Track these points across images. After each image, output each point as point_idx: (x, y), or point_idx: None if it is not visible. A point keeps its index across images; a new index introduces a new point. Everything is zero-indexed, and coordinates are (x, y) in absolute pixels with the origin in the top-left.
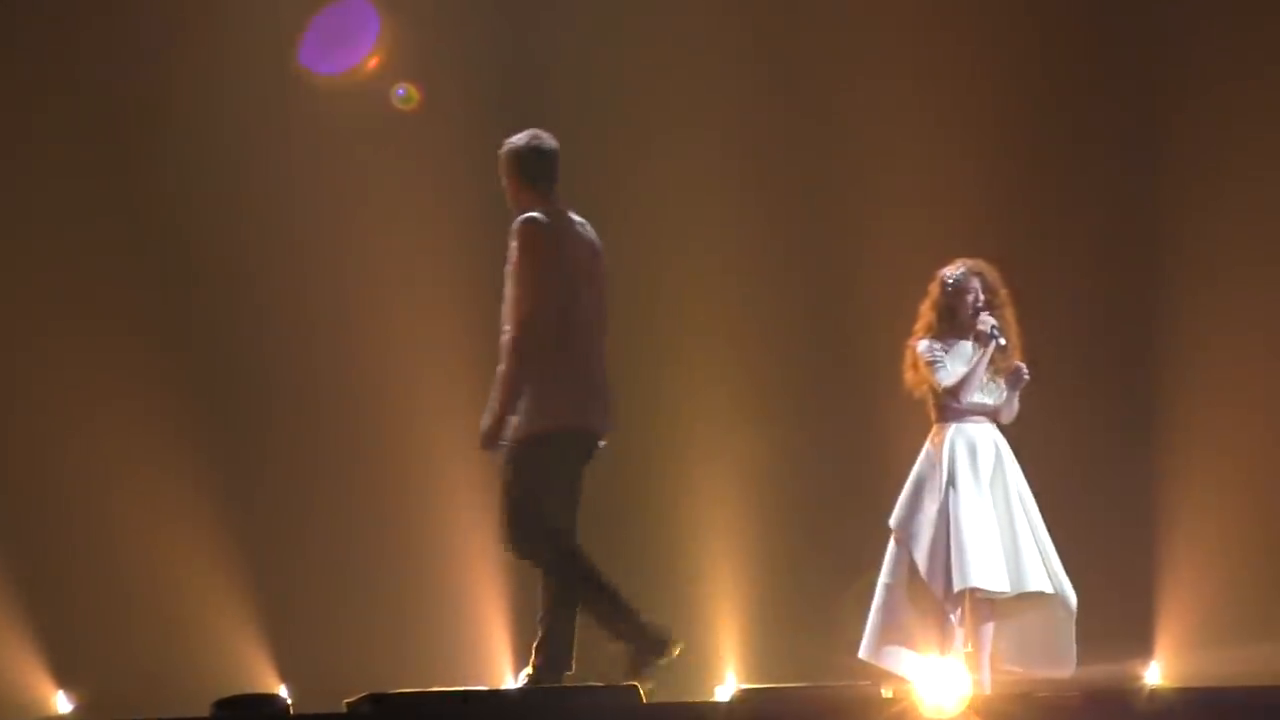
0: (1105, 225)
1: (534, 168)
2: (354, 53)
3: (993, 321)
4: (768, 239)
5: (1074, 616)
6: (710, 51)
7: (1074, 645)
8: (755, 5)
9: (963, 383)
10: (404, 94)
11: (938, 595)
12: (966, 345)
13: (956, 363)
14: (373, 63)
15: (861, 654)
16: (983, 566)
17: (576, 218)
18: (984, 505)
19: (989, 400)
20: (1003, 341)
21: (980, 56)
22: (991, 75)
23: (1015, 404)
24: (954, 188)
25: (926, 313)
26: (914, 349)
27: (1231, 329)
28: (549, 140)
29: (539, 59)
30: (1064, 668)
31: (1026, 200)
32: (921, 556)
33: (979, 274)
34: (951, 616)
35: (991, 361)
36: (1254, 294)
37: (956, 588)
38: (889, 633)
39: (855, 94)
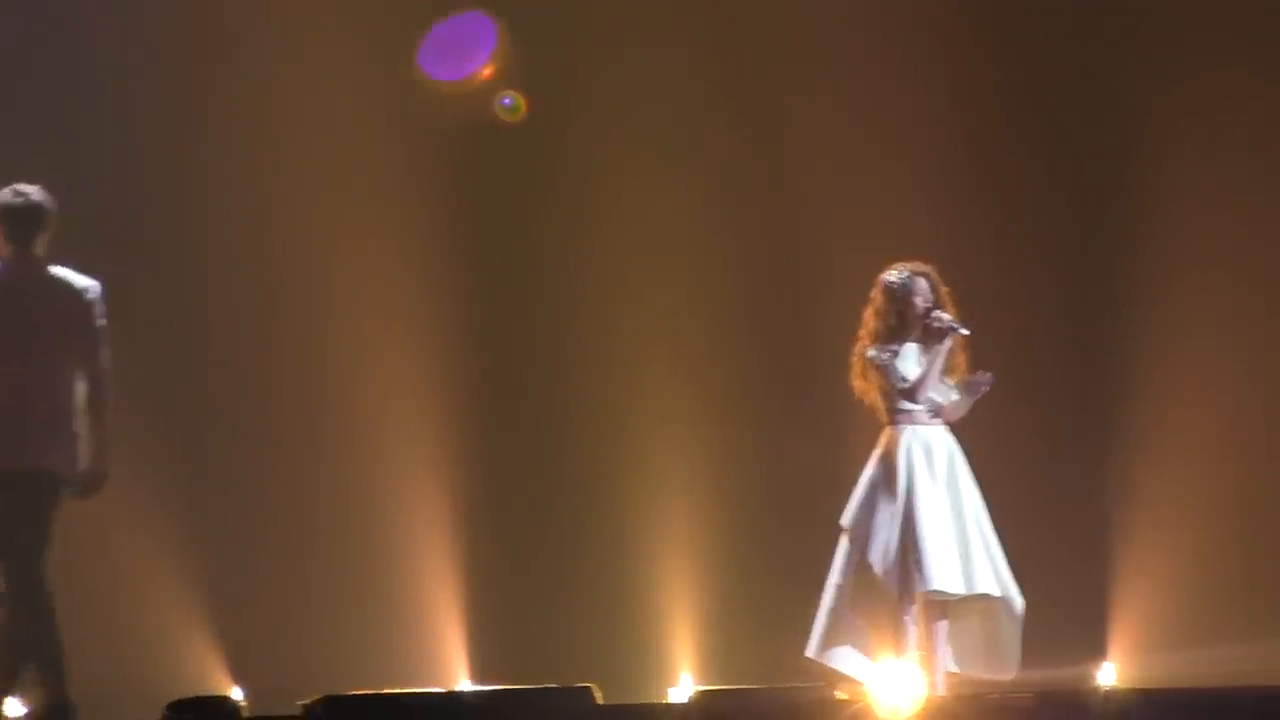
0: (1060, 230)
1: (3, 224)
2: (470, 62)
3: (949, 316)
4: (722, 246)
5: (1020, 621)
6: (661, 52)
7: (1019, 650)
8: (711, 7)
9: (920, 382)
10: (510, 103)
11: (893, 596)
12: (913, 347)
13: (907, 364)
14: (486, 72)
15: (809, 652)
16: (942, 569)
17: (54, 271)
18: (941, 507)
19: (941, 399)
20: (965, 331)
21: (937, 56)
22: (948, 75)
23: (966, 407)
24: (906, 189)
25: (871, 319)
26: (862, 355)
27: (1186, 333)
28: (22, 197)
29: None
30: (1006, 671)
31: (981, 204)
32: (878, 557)
33: (923, 274)
34: (906, 617)
35: (945, 361)
36: (1210, 299)
37: (917, 590)
38: (838, 632)
39: (809, 94)
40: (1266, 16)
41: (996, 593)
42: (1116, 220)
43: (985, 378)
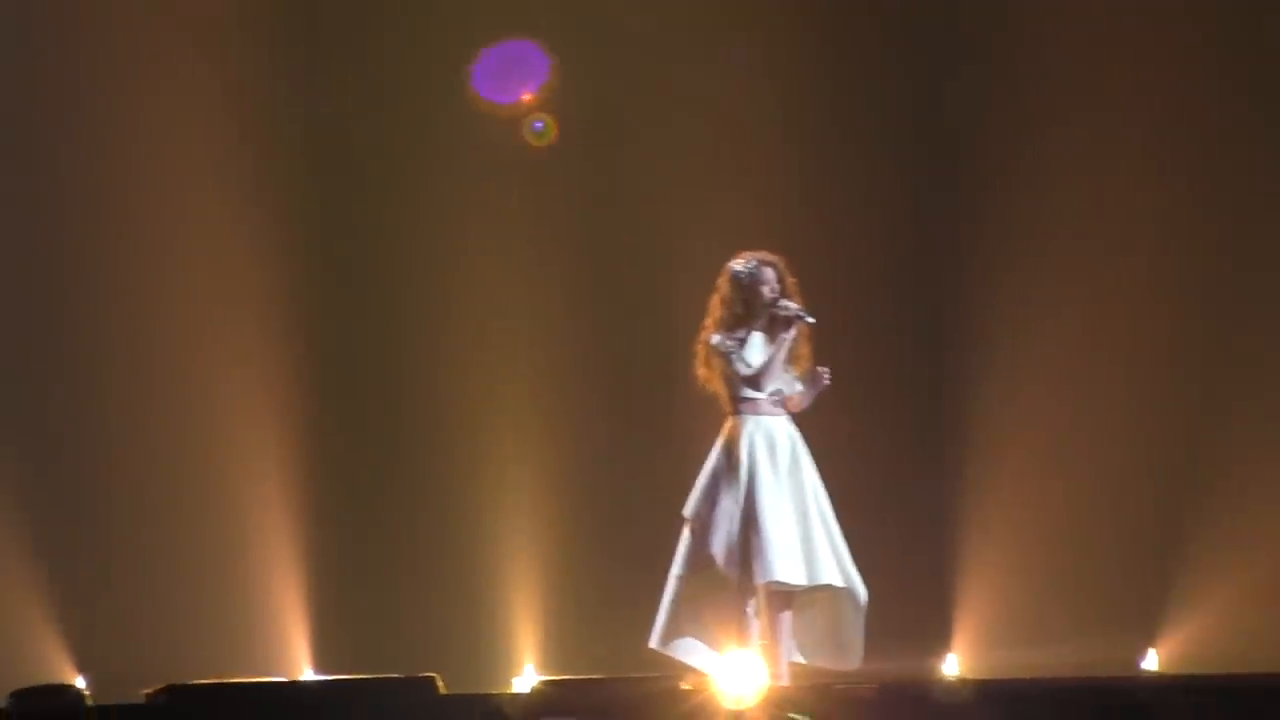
0: (904, 228)
1: None
2: (523, 88)
3: (796, 305)
4: (559, 241)
5: (863, 611)
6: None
7: (861, 640)
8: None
9: (764, 369)
10: (541, 127)
11: (735, 587)
12: (758, 336)
13: (752, 353)
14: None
15: (653, 644)
16: (784, 560)
17: None
18: (783, 498)
19: (785, 389)
20: (812, 320)
21: (776, 51)
22: (789, 71)
23: (808, 401)
24: (744, 185)
25: (716, 308)
26: (707, 344)
27: (1026, 333)
28: None
29: None
30: (850, 662)
31: (827, 202)
32: (720, 548)
33: (771, 264)
34: (748, 608)
35: (790, 350)
36: (1050, 303)
37: (758, 581)
38: (681, 624)
39: (648, 92)
40: (1112, 17)
41: (840, 583)
42: (959, 222)
43: (824, 371)
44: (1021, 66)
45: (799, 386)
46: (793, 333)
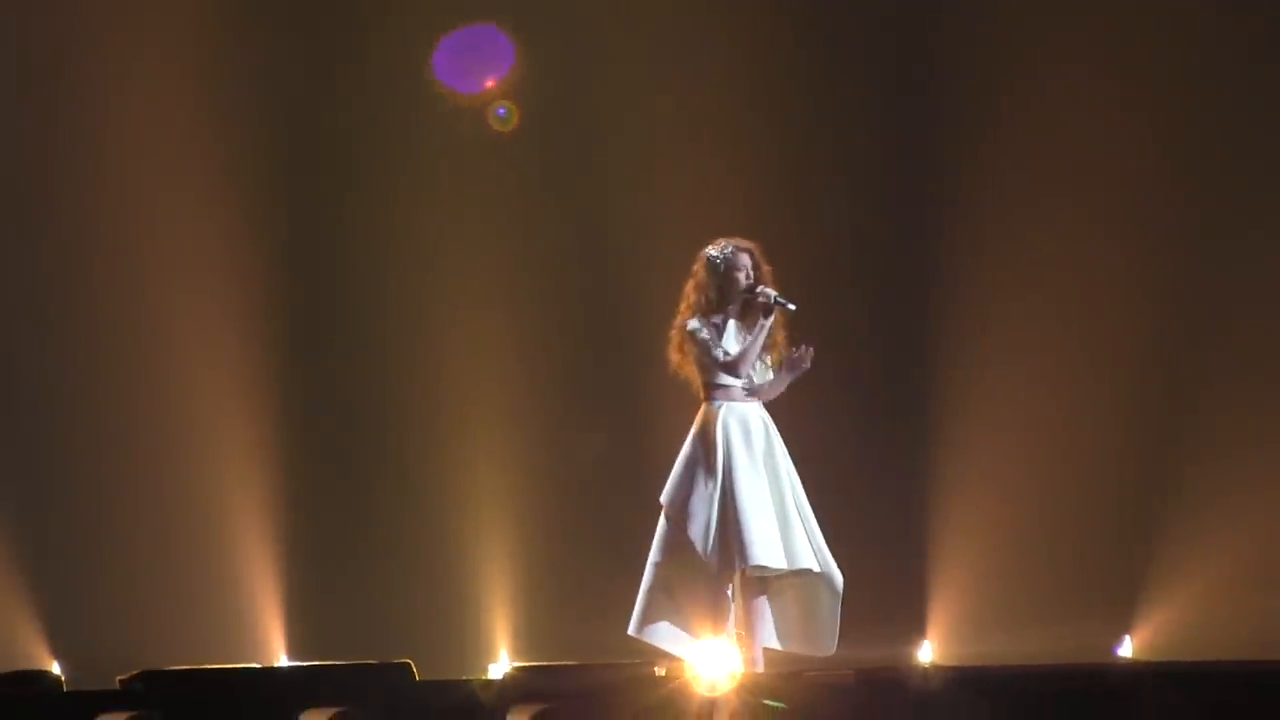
0: (878, 213)
1: None
2: (487, 75)
3: (775, 291)
4: (528, 229)
5: (839, 598)
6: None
7: (837, 626)
8: None
9: (742, 356)
10: (504, 114)
11: (713, 573)
12: (733, 323)
13: (728, 339)
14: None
15: (631, 630)
16: (764, 545)
17: None
18: (760, 483)
19: (759, 377)
20: (793, 306)
21: (748, 40)
22: (752, 52)
23: (783, 385)
24: (715, 169)
25: (691, 293)
26: (682, 329)
27: (1000, 325)
28: None
29: None
30: (825, 648)
31: (796, 185)
32: (698, 534)
33: (747, 251)
34: (725, 593)
35: (767, 338)
36: (1024, 296)
37: (739, 567)
38: (659, 610)
39: (614, 87)
40: (1090, 21)
41: (817, 569)
42: (935, 216)
43: (806, 353)
44: (1000, 59)
45: (770, 375)
46: (771, 319)
